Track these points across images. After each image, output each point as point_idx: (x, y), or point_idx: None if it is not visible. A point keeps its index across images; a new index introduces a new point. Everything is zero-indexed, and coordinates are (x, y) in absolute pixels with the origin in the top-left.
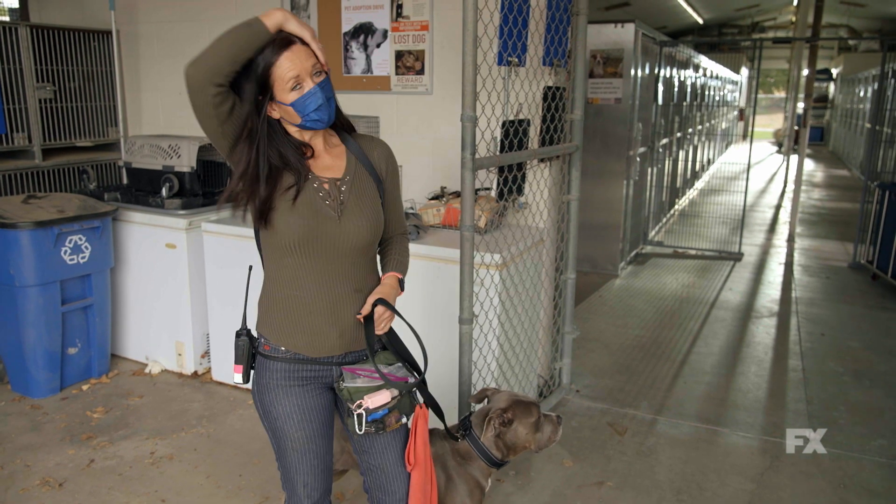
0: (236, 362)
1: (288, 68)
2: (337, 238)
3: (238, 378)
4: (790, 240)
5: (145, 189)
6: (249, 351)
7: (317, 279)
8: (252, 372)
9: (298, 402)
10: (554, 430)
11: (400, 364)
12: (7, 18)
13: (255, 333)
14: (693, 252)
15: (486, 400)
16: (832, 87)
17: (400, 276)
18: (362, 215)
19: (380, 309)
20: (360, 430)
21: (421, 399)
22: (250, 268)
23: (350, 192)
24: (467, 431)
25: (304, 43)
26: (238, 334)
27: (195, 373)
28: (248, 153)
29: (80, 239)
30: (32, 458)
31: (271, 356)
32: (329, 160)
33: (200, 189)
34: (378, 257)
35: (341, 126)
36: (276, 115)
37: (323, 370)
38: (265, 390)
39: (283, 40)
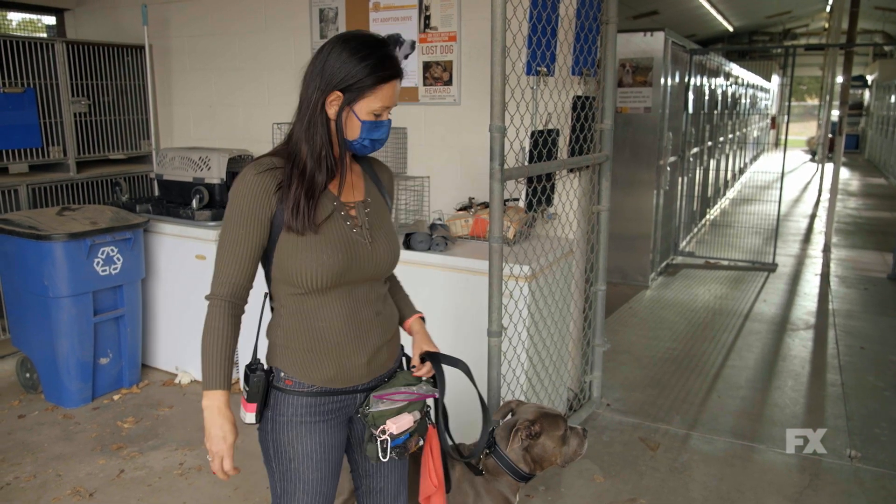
0: (249, 400)
1: (387, 97)
2: (369, 264)
3: (251, 418)
4: (826, 250)
5: (176, 201)
6: (266, 387)
7: (341, 308)
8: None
9: (321, 441)
10: (580, 443)
11: (422, 383)
12: (44, 35)
13: (265, 366)
14: (725, 263)
15: (510, 413)
16: (867, 93)
17: (422, 316)
18: (388, 237)
19: (428, 366)
20: (385, 457)
21: (432, 418)
22: (265, 294)
23: (373, 213)
24: (491, 448)
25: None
26: (252, 368)
27: None
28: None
29: (113, 250)
30: (64, 467)
31: (295, 391)
32: (352, 179)
33: None
34: None
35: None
36: (333, 114)
37: (348, 399)
38: (284, 428)
39: (394, 74)
